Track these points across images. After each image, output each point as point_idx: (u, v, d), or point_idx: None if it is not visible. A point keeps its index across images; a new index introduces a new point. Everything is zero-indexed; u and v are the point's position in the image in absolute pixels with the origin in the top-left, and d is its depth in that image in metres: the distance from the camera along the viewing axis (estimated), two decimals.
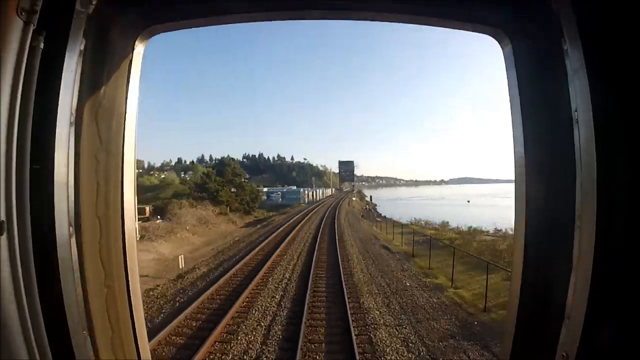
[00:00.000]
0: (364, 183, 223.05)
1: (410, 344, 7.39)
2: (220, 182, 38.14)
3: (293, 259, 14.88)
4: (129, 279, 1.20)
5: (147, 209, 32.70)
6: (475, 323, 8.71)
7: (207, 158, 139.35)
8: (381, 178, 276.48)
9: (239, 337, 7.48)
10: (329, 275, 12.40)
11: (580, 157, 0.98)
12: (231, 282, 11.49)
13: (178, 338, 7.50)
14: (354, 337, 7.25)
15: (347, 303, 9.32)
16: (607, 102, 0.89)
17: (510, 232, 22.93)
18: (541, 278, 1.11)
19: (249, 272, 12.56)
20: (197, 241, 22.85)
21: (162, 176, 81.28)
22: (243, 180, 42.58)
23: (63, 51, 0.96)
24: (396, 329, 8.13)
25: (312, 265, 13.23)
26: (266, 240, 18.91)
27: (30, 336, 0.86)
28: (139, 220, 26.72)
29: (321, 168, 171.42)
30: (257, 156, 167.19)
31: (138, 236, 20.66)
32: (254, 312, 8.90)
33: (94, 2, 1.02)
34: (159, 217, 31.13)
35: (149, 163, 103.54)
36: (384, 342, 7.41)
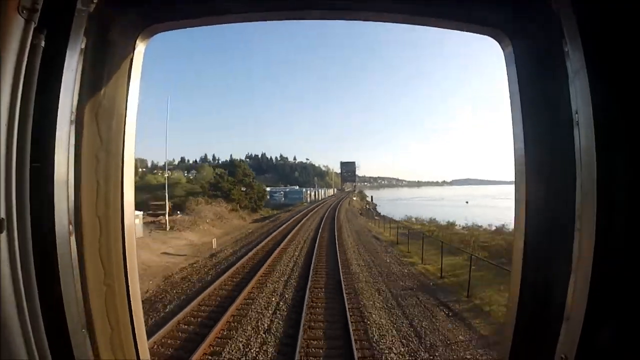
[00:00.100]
0: (365, 183, 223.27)
1: (381, 291, 11.02)
2: (232, 182, 42.12)
3: (300, 243, 18.63)
4: (129, 278, 1.20)
5: (168, 205, 36.58)
6: (431, 284, 12.31)
7: (210, 158, 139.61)
8: (383, 178, 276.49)
9: (269, 284, 11.15)
10: (328, 253, 16.08)
11: (580, 157, 0.98)
12: (254, 257, 15.21)
13: (226, 285, 11.18)
14: (343, 286, 10.90)
15: (340, 269, 12.99)
16: (607, 102, 0.89)
17: (487, 227, 26.49)
18: (541, 278, 1.11)
19: (266, 252, 16.24)
20: (217, 232, 26.58)
21: (166, 175, 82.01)
22: (252, 180, 46.39)
23: (64, 50, 0.96)
24: (373, 284, 11.80)
25: (315, 248, 16.90)
26: (275, 232, 22.66)
27: (29, 334, 0.85)
28: (161, 216, 30.61)
29: (323, 168, 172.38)
30: (259, 156, 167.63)
31: (151, 229, 24.26)
32: (273, 277, 12.56)
33: (94, 1, 1.02)
34: (178, 212, 34.92)
35: (152, 162, 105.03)
36: (362, 289, 11.06)
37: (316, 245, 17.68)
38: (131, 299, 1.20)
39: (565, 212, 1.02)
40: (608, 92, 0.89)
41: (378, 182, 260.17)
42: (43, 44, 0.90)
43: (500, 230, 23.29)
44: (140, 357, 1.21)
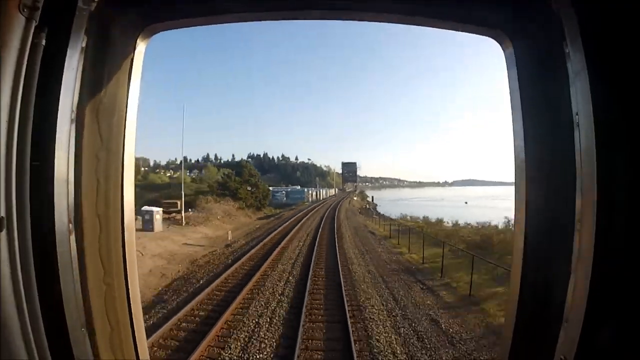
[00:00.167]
0: (367, 184, 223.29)
1: (370, 272, 13.51)
2: (239, 182, 44.82)
3: (303, 236, 21.19)
4: (128, 277, 1.20)
5: (179, 202, 39.25)
6: (413, 267, 14.79)
7: (212, 157, 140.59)
8: (384, 179, 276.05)
9: (281, 264, 13.65)
10: (328, 244, 18.59)
11: (580, 158, 0.98)
12: (264, 247, 17.75)
13: (245, 266, 13.69)
14: (340, 268, 13.39)
15: (337, 255, 15.51)
16: (608, 104, 0.88)
17: (474, 225, 28.80)
18: (541, 278, 1.11)
19: (273, 244, 18.75)
20: (227, 227, 29.10)
21: (168, 174, 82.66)
22: (257, 180, 49.06)
23: (64, 49, 0.96)
24: (364, 266, 14.32)
25: (317, 239, 19.44)
26: (280, 228, 25.24)
27: (29, 333, 0.85)
28: (174, 213, 33.27)
29: (325, 168, 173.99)
30: (261, 156, 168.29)
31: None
32: (285, 257, 15.07)
33: (95, 0, 1.02)
34: (189, 209, 37.56)
35: (154, 161, 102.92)
36: (356, 270, 13.55)
37: (317, 238, 20.21)
38: (131, 299, 1.20)
39: (565, 212, 1.02)
40: (609, 94, 0.89)
41: (379, 183, 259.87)
42: (44, 42, 0.90)
43: (482, 227, 25.43)
44: (140, 357, 1.22)
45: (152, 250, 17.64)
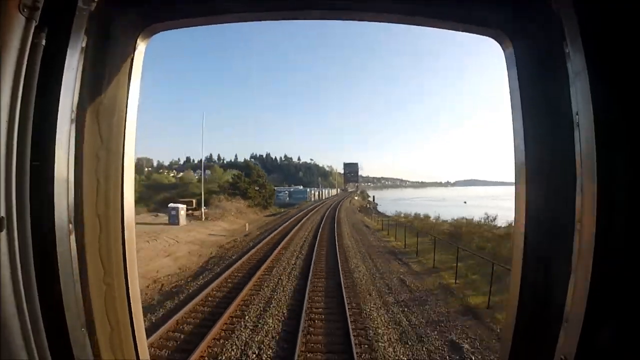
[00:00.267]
0: (369, 184, 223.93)
1: (361, 253, 17.36)
2: (248, 182, 48.86)
3: (308, 229, 25.09)
4: (128, 277, 1.20)
5: (194, 201, 43.42)
6: (396, 251, 18.61)
7: (215, 157, 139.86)
8: (387, 179, 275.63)
9: (292, 246, 17.49)
10: (329, 235, 22.47)
11: (580, 158, 0.98)
12: (277, 235, 21.65)
13: (264, 248, 17.54)
14: (337, 253, 17.22)
15: (336, 242, 19.39)
16: (608, 104, 0.88)
17: (463, 220, 32.33)
18: (541, 278, 1.11)
19: (283, 234, 22.63)
20: (242, 222, 33.06)
21: (172, 174, 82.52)
22: (265, 180, 53.09)
23: (65, 49, 0.96)
24: (358, 250, 18.21)
25: (319, 231, 23.33)
26: (286, 223, 29.17)
27: (29, 333, 0.85)
28: (190, 210, 37.28)
29: (327, 169, 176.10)
30: (264, 156, 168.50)
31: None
32: (294, 243, 18.92)
33: (95, 0, 1.01)
34: (204, 207, 41.66)
35: (158, 161, 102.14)
36: (351, 252, 17.41)
37: (319, 230, 24.10)
38: (131, 298, 1.21)
39: (565, 212, 1.02)
40: (609, 94, 0.89)
41: (382, 183, 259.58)
42: (44, 42, 0.90)
43: (456, 221, 28.37)
44: (140, 357, 1.23)
45: (185, 239, 21.68)
